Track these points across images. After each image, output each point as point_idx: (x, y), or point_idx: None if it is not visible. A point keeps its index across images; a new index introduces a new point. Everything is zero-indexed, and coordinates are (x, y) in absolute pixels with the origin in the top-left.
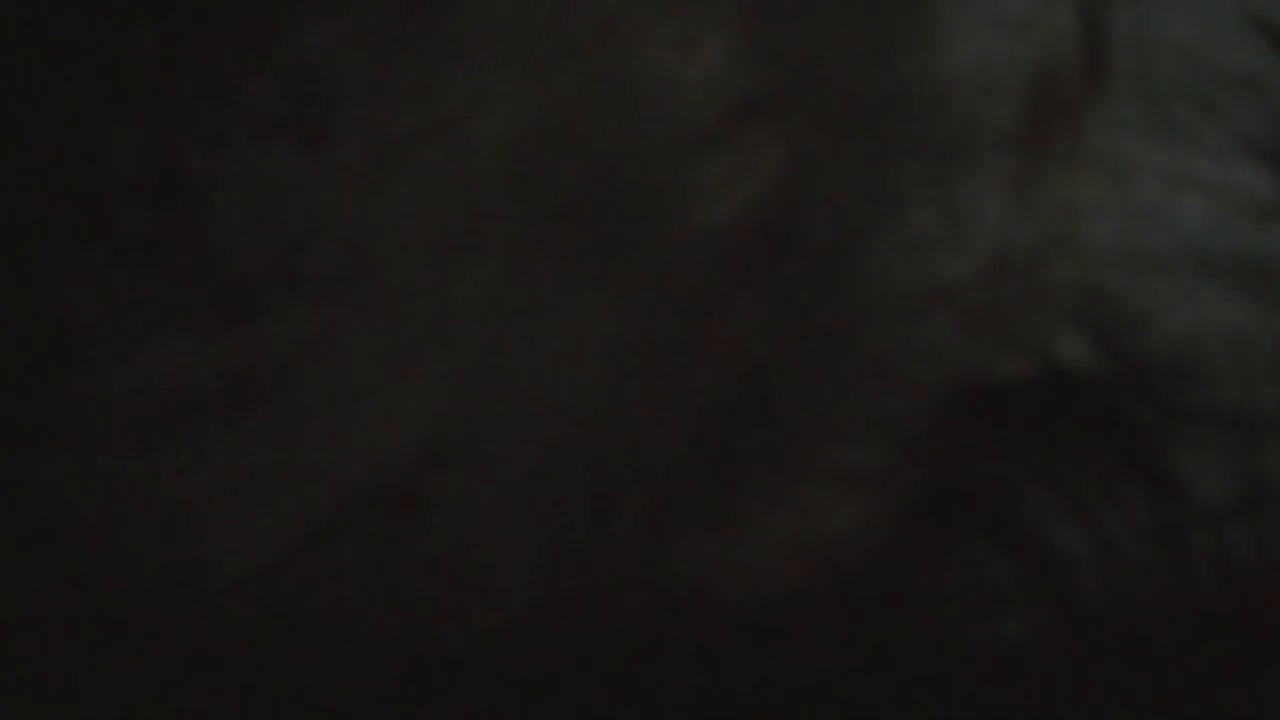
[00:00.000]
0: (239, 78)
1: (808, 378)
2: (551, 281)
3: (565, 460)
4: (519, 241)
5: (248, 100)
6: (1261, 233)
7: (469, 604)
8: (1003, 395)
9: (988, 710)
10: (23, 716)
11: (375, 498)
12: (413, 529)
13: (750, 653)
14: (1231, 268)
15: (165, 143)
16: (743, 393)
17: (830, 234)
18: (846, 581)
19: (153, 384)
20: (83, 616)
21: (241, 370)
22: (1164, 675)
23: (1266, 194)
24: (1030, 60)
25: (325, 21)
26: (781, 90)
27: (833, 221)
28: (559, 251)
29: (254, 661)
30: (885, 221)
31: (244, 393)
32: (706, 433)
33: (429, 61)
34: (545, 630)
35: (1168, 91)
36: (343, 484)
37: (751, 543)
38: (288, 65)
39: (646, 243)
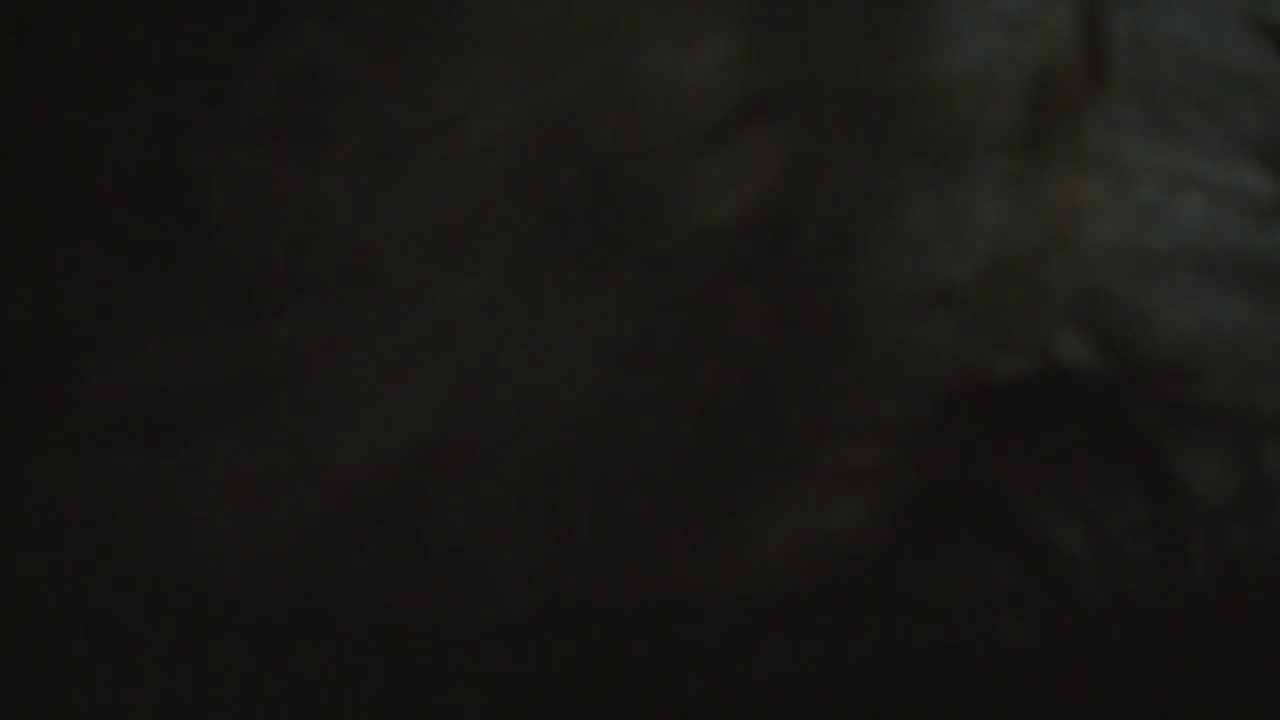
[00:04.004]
0: (239, 78)
1: (808, 378)
2: (551, 281)
3: (565, 460)
4: (519, 241)
5: (248, 100)
6: (1261, 233)
7: (469, 604)
8: (1003, 395)
9: (988, 710)
10: (23, 716)
11: (375, 497)
12: (413, 529)
13: (750, 652)
14: (1231, 268)
15: (165, 143)
16: (743, 393)
17: (830, 234)
18: (846, 581)
19: (153, 384)
20: (83, 616)
21: (241, 370)
22: (1164, 675)
23: (1266, 194)
24: (1030, 60)
25: (325, 21)
26: (781, 90)
27: (833, 221)
28: (559, 251)
29: (254, 661)
30: (885, 221)
31: (244, 393)
32: (706, 433)
33: (429, 61)
34: (545, 630)
35: (1168, 91)
36: (343, 484)
37: (751, 543)
38: (288, 65)
39: (647, 243)
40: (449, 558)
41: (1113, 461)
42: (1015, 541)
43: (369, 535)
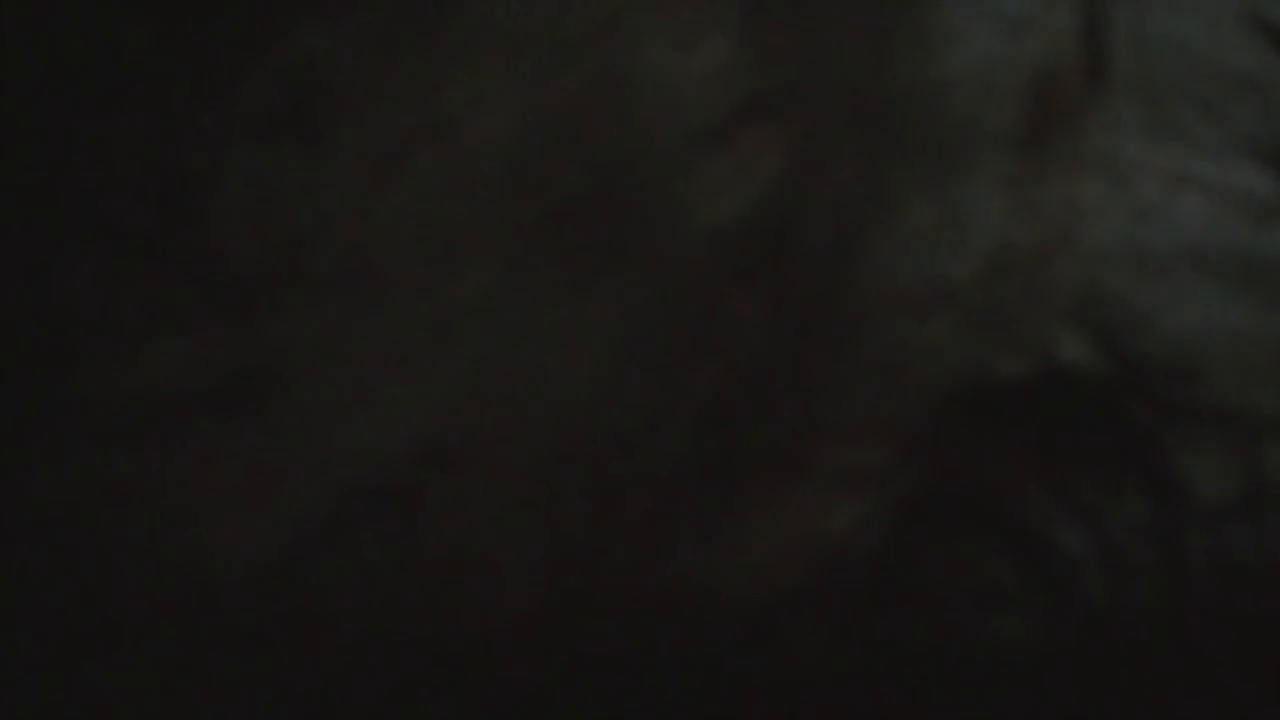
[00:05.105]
0: (239, 78)
1: (808, 378)
2: (551, 281)
3: (565, 460)
4: (519, 241)
5: (248, 100)
6: (1261, 233)
7: (469, 604)
8: (1003, 395)
9: (988, 710)
10: (23, 716)
11: (375, 497)
12: (413, 529)
13: (750, 652)
14: (1231, 268)
15: (165, 143)
16: (743, 393)
17: (830, 234)
18: (846, 581)
19: (153, 384)
20: (83, 616)
21: (241, 370)
22: (1164, 675)
23: (1266, 194)
24: (1030, 60)
25: (325, 21)
26: (781, 90)
27: (833, 221)
28: (559, 251)
29: (254, 661)
30: (885, 221)
31: (244, 393)
32: (706, 432)
33: (429, 61)
34: (545, 630)
35: (1168, 91)
36: (343, 484)
37: (751, 543)
38: (288, 65)
39: (646, 242)
40: (449, 558)
41: (1113, 461)
42: (1015, 541)
43: (369, 535)
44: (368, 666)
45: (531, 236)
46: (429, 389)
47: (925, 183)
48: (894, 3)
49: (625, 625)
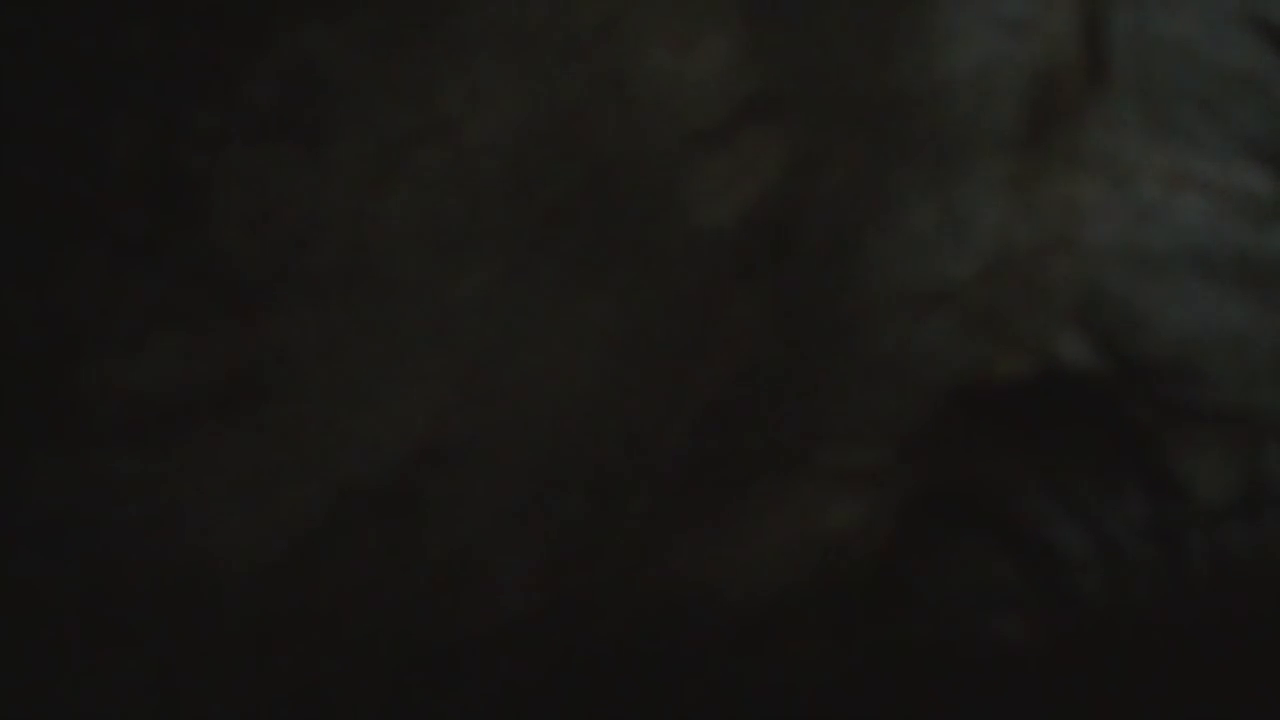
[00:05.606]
0: (239, 78)
1: (808, 378)
2: (551, 281)
3: (565, 460)
4: (519, 241)
5: (248, 100)
6: (1261, 233)
7: (469, 604)
8: (1003, 395)
9: (988, 710)
10: (23, 716)
11: (375, 498)
12: (413, 529)
13: (750, 652)
14: (1231, 268)
15: (165, 143)
16: (743, 393)
17: (830, 234)
18: (846, 581)
19: (153, 384)
20: (83, 616)
21: (242, 370)
22: (1164, 675)
23: (1266, 194)
24: (1030, 60)
25: (325, 21)
26: (781, 90)
27: (833, 221)
28: (559, 251)
29: (254, 661)
30: (885, 221)
31: (244, 392)
32: (706, 432)
33: (429, 61)
34: (545, 630)
35: (1168, 91)
36: (343, 484)
37: (752, 543)
38: (288, 65)
39: (646, 243)
40: (449, 558)
41: (1113, 461)
42: (1015, 541)
43: (369, 535)
44: (368, 666)
45: (531, 236)
46: (429, 389)
47: (925, 183)
48: (894, 3)
49: (625, 625)
